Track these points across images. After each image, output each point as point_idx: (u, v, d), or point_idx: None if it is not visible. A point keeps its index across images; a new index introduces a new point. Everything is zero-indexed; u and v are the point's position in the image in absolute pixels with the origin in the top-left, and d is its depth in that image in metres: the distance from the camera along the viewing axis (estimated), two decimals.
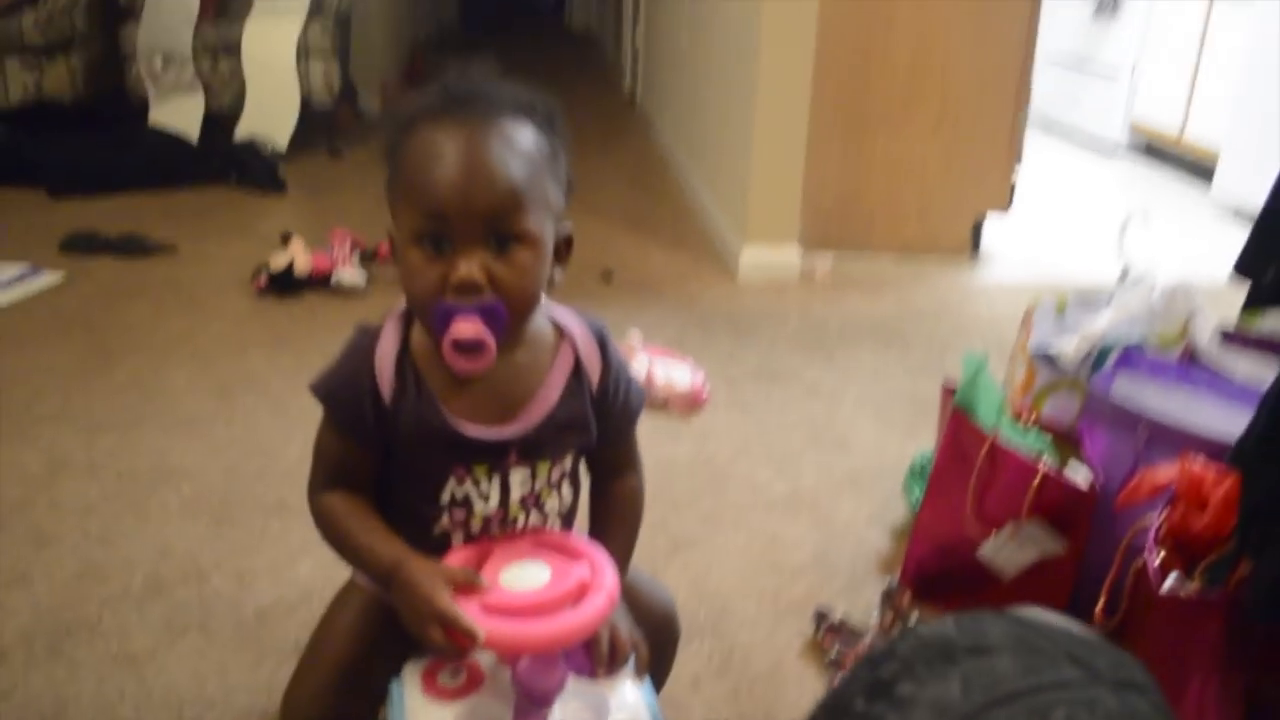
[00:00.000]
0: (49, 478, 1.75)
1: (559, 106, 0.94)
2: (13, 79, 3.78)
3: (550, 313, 0.97)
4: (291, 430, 1.90)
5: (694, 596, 1.48)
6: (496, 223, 0.85)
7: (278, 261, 2.53)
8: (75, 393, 2.05)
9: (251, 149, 3.63)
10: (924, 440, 1.85)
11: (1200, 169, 4.07)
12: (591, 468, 1.04)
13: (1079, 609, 1.27)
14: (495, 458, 0.93)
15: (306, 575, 1.51)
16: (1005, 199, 3.11)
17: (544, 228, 0.88)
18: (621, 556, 0.98)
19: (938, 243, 3.09)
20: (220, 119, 3.83)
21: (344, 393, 0.93)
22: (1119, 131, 4.62)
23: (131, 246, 2.84)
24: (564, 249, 0.94)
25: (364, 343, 0.94)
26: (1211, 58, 4.00)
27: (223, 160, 3.59)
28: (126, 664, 1.34)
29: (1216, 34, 3.97)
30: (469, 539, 0.96)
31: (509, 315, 0.87)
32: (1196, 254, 2.97)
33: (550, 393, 0.95)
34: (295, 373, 2.13)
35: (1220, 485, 1.18)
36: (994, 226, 3.14)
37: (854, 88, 2.91)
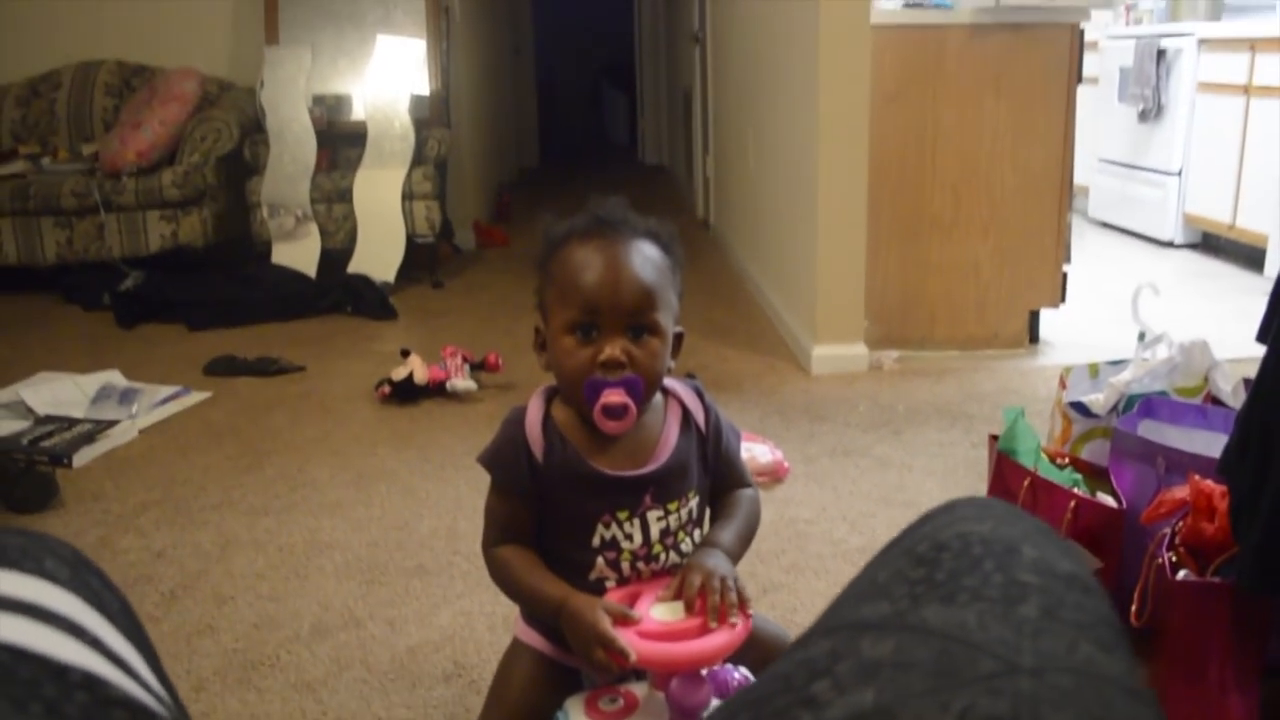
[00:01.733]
0: (221, 553, 2.04)
1: (677, 232, 1.20)
2: (152, 230, 4.24)
3: None
4: (422, 510, 2.17)
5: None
6: (636, 316, 1.09)
7: (398, 373, 2.85)
8: (233, 487, 2.36)
9: (364, 282, 4.01)
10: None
11: (1254, 255, 4.25)
12: (712, 496, 1.24)
13: (1118, 616, 1.47)
14: (633, 501, 1.14)
15: (448, 621, 1.76)
16: (1057, 295, 3.32)
17: (668, 324, 1.13)
18: (734, 539, 1.18)
19: (996, 337, 3.30)
20: (335, 256, 4.23)
21: (504, 457, 1.15)
22: (1174, 226, 4.82)
23: (266, 367, 3.19)
24: (677, 344, 1.19)
25: (515, 416, 1.17)
26: (1254, 150, 4.22)
27: (339, 292, 3.97)
28: (305, 690, 1.59)
29: (1256, 127, 4.19)
30: (621, 582, 1.15)
31: (644, 388, 1.10)
32: (1250, 330, 3.13)
33: (669, 437, 1.17)
34: (420, 464, 2.42)
35: (1226, 497, 1.38)
36: (1051, 318, 3.35)
37: (907, 198, 3.18)
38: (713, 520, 1.23)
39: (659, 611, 1.07)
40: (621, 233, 1.13)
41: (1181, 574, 1.33)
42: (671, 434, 1.18)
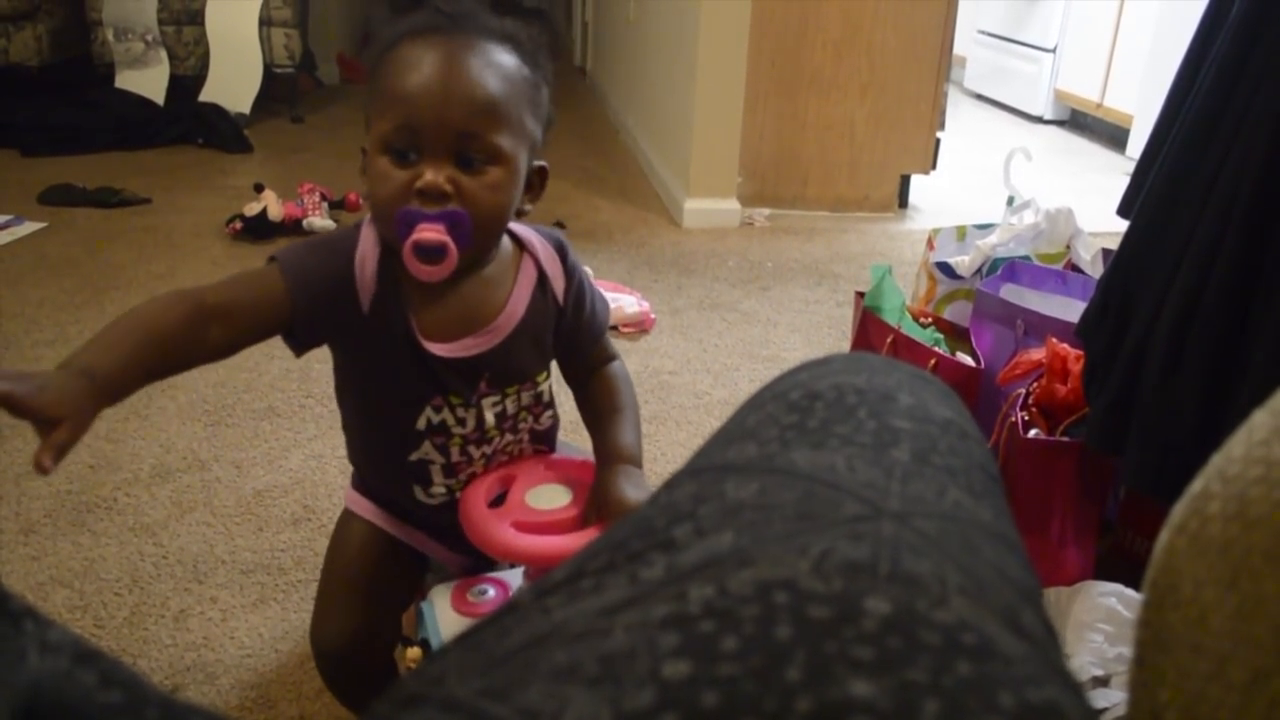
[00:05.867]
0: None
1: (545, 41, 0.95)
2: None
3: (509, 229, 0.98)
4: (272, 350, 2.06)
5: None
6: (468, 138, 0.85)
7: (252, 209, 2.70)
8: (69, 323, 2.21)
9: (217, 112, 3.77)
10: None
11: (1119, 135, 4.35)
12: (572, 378, 1.08)
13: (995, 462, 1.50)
14: (466, 386, 0.96)
15: (298, 465, 1.70)
16: (929, 161, 3.34)
17: (517, 151, 0.88)
18: (637, 437, 1.02)
19: (867, 199, 3.31)
20: (185, 84, 3.96)
21: (317, 286, 0.90)
22: (1044, 102, 4.89)
23: (108, 198, 2.98)
24: (537, 182, 0.95)
25: (349, 239, 0.92)
26: (1127, 32, 4.27)
27: (189, 122, 3.72)
28: (144, 532, 1.52)
29: (1131, 9, 4.23)
30: (447, 465, 0.99)
31: (474, 228, 0.87)
32: (1108, 206, 3.22)
33: (516, 305, 0.96)
34: None
35: (1080, 361, 1.41)
36: (920, 184, 3.37)
37: (787, 54, 3.12)
38: (590, 405, 1.07)
39: (535, 498, 0.98)
40: (466, 30, 0.88)
41: (1032, 433, 1.36)
42: (520, 301, 0.96)
